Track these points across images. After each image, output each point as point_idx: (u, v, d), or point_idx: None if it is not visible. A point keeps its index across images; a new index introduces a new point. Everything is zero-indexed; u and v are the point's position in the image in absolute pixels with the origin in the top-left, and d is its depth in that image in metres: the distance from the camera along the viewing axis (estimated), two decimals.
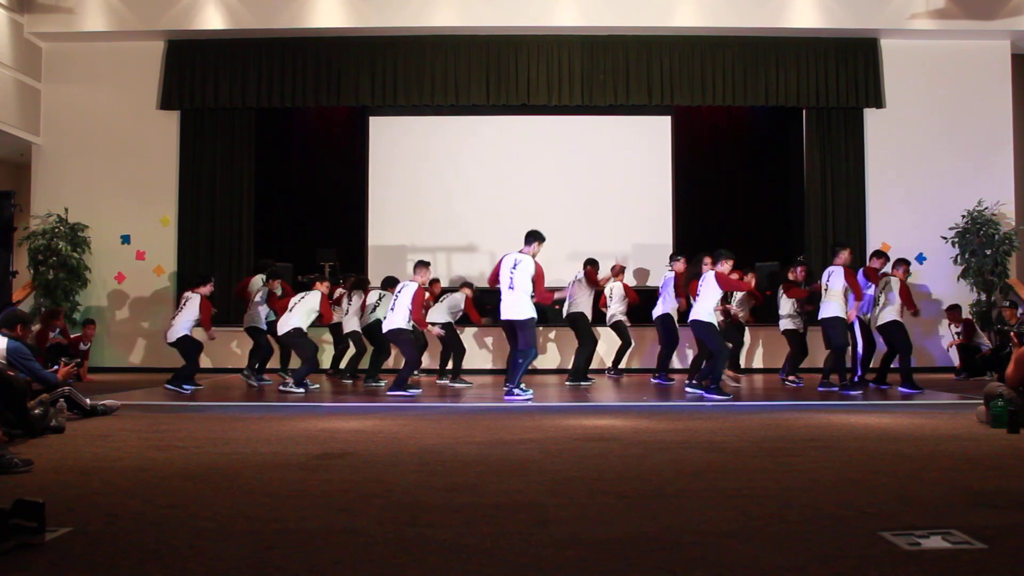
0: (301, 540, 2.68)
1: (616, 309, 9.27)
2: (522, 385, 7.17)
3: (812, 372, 8.80)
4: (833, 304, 7.72)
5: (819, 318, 7.87)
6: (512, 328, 7.43)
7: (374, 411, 6.47)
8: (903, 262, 8.20)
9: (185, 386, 7.96)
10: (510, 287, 7.16)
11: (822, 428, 5.32)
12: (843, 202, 11.14)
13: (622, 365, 9.65)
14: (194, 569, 2.38)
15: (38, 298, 10.66)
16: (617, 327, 9.31)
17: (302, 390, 7.77)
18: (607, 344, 9.82)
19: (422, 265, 8.03)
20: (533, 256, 7.20)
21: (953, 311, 10.04)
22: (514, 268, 7.15)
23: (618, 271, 9.37)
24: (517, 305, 7.16)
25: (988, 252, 10.48)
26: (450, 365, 8.78)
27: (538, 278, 7.18)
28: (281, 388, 7.92)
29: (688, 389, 7.70)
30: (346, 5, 10.72)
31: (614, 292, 9.35)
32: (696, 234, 11.52)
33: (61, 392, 5.76)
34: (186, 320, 8.14)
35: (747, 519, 2.92)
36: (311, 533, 2.76)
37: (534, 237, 7.26)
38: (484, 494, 3.37)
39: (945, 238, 10.72)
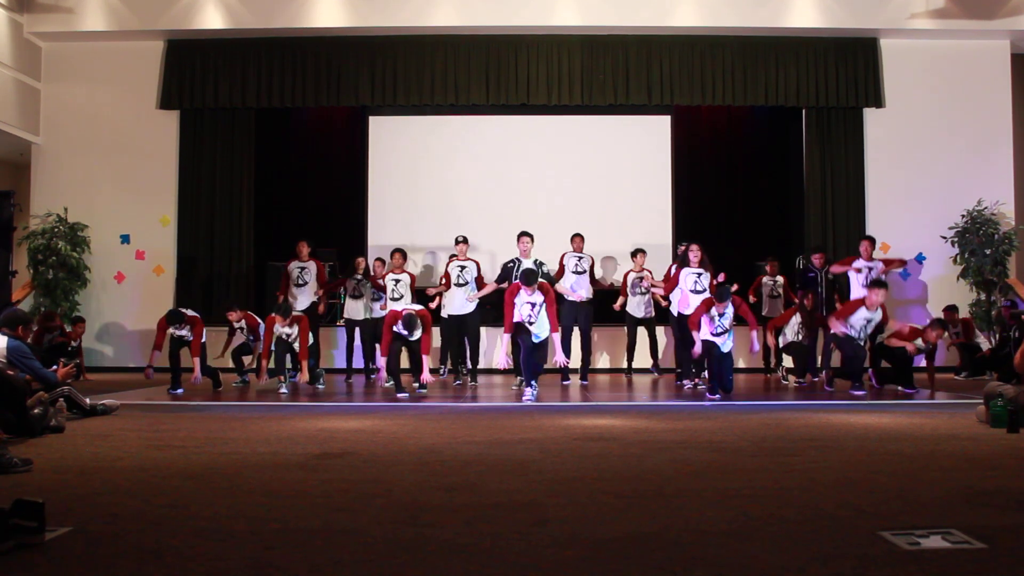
0: (301, 540, 2.68)
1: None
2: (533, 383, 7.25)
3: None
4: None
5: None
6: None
7: (374, 411, 6.47)
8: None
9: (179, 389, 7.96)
10: (534, 326, 7.19)
11: (822, 428, 5.32)
12: (843, 202, 11.15)
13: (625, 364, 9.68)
14: (194, 569, 2.38)
15: (38, 298, 10.66)
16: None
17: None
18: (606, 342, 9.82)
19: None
20: (540, 290, 7.21)
21: (950, 311, 10.01)
22: (533, 309, 7.13)
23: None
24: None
25: (988, 252, 10.48)
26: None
27: (551, 305, 7.26)
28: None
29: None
30: (346, 5, 10.72)
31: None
32: (696, 234, 11.48)
33: (61, 392, 5.76)
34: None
35: (747, 519, 2.92)
36: (311, 533, 2.76)
37: (532, 278, 7.16)
38: (484, 494, 3.37)
39: (945, 238, 10.72)
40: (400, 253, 8.83)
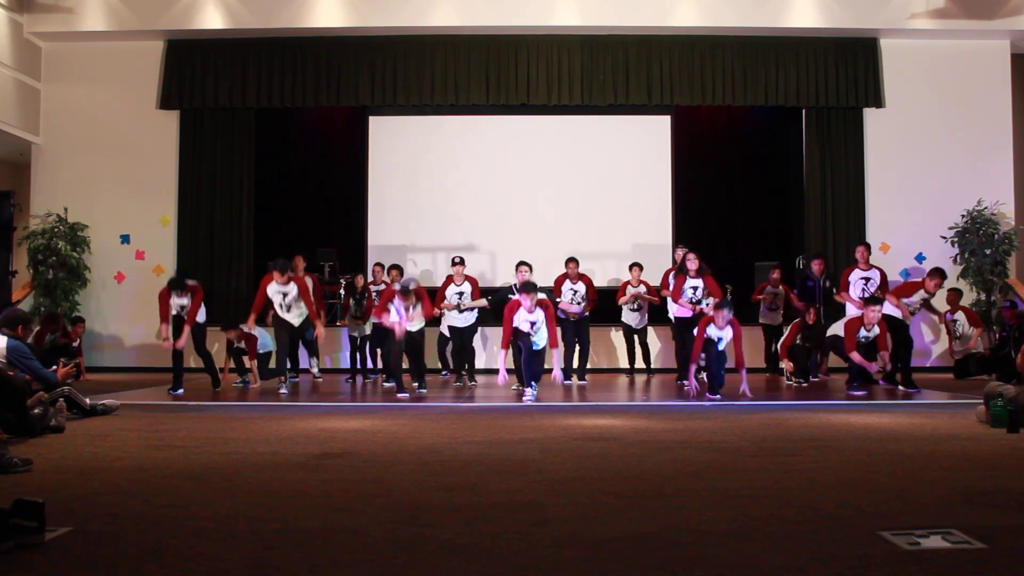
0: (301, 540, 2.68)
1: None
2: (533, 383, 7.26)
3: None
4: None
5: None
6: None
7: (374, 411, 6.47)
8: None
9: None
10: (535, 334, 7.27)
11: (822, 428, 5.32)
12: (843, 202, 11.14)
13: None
14: (194, 569, 2.38)
15: (38, 298, 10.66)
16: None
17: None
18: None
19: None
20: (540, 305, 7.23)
21: (954, 293, 9.88)
22: (532, 327, 7.20)
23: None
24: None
25: (988, 252, 10.48)
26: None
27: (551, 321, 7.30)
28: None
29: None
30: (346, 5, 10.72)
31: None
32: (696, 234, 11.51)
33: (60, 392, 5.76)
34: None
35: (747, 519, 2.92)
36: (311, 533, 2.76)
37: (531, 288, 7.20)
38: (484, 494, 3.37)
39: (945, 238, 10.72)
40: (397, 270, 8.61)
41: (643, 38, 10.98)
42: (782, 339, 8.92)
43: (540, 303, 7.22)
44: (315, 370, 8.53)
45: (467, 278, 8.61)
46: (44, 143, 11.22)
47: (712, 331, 7.25)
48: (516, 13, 10.70)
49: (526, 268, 8.33)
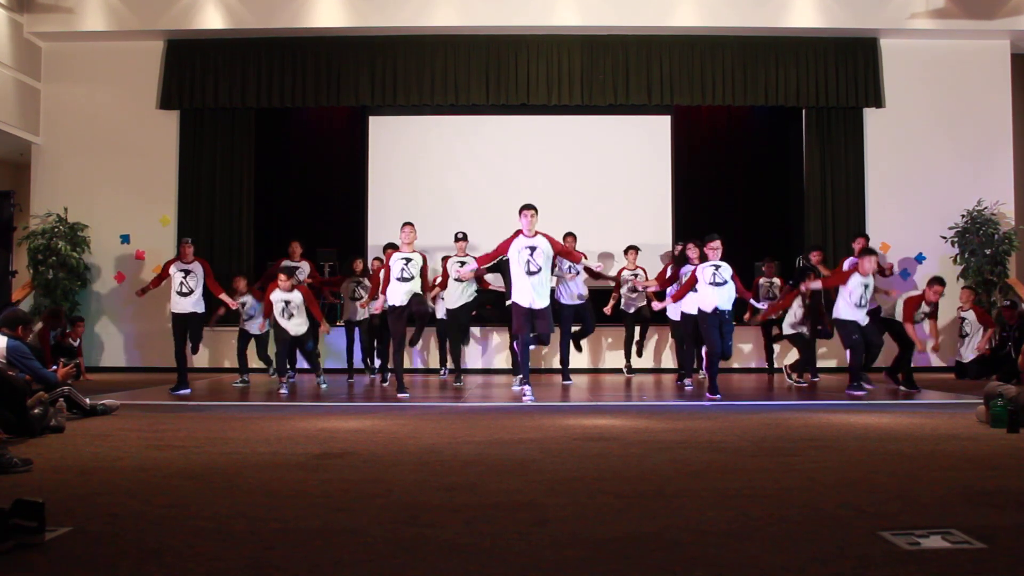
0: (301, 540, 2.68)
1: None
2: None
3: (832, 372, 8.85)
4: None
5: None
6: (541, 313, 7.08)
7: (374, 411, 6.48)
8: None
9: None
10: (535, 271, 6.88)
11: (822, 428, 5.32)
12: (843, 202, 11.15)
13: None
14: (194, 569, 2.38)
15: (38, 298, 10.66)
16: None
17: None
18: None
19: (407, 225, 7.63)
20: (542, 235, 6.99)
21: (969, 291, 9.83)
22: (532, 254, 6.85)
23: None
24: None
25: (988, 252, 10.48)
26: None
27: (562, 250, 7.22)
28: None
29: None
30: (346, 5, 10.72)
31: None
32: (696, 234, 11.47)
33: (60, 392, 5.77)
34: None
35: (747, 519, 2.92)
36: (311, 533, 2.76)
37: (531, 204, 6.98)
38: (484, 494, 3.37)
39: (945, 238, 10.72)
40: (393, 247, 8.10)
41: (643, 38, 10.98)
42: (774, 302, 8.86)
43: (543, 234, 6.94)
44: (324, 387, 8.48)
45: (469, 255, 8.67)
46: (44, 143, 11.22)
47: (706, 269, 7.12)
48: (516, 13, 10.70)
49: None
